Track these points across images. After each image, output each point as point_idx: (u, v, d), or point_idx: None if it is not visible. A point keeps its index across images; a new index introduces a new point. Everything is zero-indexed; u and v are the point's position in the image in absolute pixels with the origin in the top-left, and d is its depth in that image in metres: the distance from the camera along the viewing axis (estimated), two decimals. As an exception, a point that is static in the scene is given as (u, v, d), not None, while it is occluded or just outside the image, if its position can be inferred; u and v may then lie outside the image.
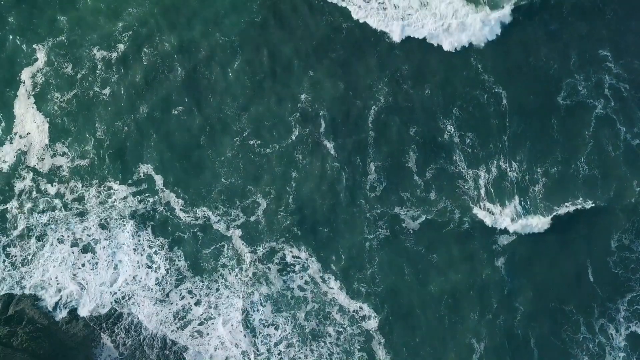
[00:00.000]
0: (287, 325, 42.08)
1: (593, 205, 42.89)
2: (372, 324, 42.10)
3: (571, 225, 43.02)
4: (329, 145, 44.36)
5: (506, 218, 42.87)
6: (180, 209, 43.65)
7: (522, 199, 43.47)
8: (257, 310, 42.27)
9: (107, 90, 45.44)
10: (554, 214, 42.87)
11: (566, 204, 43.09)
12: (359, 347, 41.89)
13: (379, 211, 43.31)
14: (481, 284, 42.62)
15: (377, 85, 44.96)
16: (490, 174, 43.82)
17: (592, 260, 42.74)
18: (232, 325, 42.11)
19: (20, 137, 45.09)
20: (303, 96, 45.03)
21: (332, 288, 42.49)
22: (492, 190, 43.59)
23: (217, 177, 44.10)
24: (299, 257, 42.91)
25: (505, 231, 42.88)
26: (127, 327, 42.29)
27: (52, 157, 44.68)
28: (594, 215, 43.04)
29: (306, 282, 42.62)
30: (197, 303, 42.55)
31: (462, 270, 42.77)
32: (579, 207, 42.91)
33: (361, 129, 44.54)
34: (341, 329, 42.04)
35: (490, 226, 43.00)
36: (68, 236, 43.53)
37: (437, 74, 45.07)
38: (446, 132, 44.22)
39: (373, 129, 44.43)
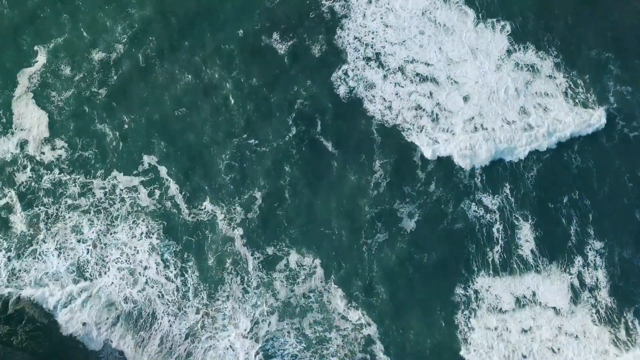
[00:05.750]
0: (292, 331, 42.09)
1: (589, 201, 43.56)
2: (373, 328, 42.11)
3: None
4: (327, 143, 44.58)
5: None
6: (185, 208, 43.81)
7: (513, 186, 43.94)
8: (264, 321, 42.27)
9: (106, 90, 45.76)
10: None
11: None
12: (360, 349, 41.83)
13: (378, 210, 43.48)
14: (480, 283, 42.77)
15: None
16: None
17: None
18: (238, 332, 42.09)
19: (22, 129, 45.23)
20: (303, 93, 45.55)
21: (334, 294, 42.50)
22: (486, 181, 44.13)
23: (218, 177, 44.31)
24: (302, 264, 42.96)
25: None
26: (125, 328, 42.12)
27: (53, 151, 44.71)
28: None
29: (309, 289, 42.67)
30: (199, 312, 42.55)
31: (461, 270, 42.90)
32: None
33: (360, 126, 44.93)
34: (344, 333, 42.03)
35: (483, 219, 43.36)
36: (70, 233, 43.60)
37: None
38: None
39: (374, 127, 44.79)
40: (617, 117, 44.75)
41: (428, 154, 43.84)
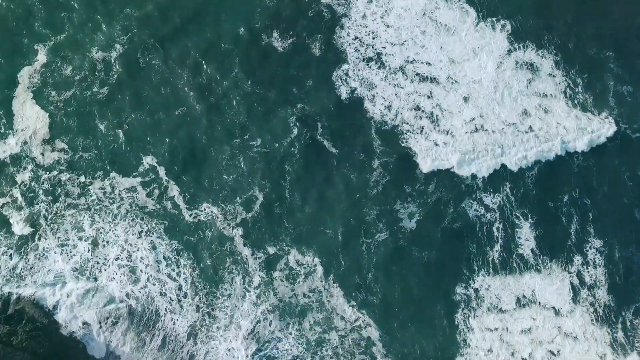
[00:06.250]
0: (293, 331, 42.13)
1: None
2: (373, 330, 42.16)
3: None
4: (327, 143, 44.63)
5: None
6: (186, 207, 43.78)
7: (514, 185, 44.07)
8: (265, 319, 42.31)
9: (107, 89, 45.67)
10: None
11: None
12: (360, 351, 41.87)
13: (378, 210, 43.53)
14: (480, 282, 42.87)
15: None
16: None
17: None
18: (239, 333, 42.08)
19: (22, 130, 45.14)
20: (303, 93, 45.59)
21: (333, 294, 42.54)
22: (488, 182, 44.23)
23: (218, 177, 44.29)
24: (302, 263, 42.98)
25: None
26: (126, 327, 42.08)
27: (52, 152, 44.63)
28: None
29: (309, 288, 42.69)
30: (199, 310, 42.56)
31: (462, 270, 43.01)
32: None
33: (360, 126, 44.98)
34: (343, 334, 42.05)
35: (484, 219, 43.46)
36: (71, 231, 43.52)
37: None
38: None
39: (374, 127, 44.87)
40: (618, 118, 44.92)
41: (425, 168, 43.82)
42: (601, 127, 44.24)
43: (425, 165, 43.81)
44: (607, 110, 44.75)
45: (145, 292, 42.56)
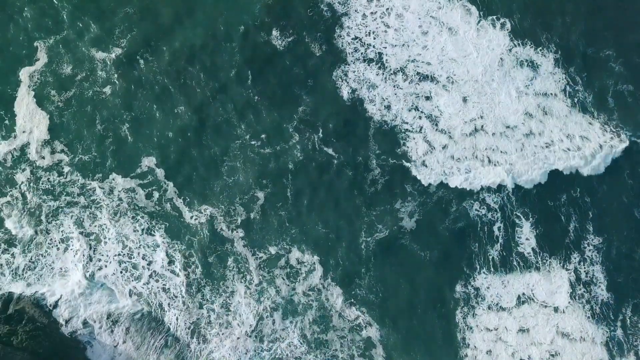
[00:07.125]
0: (295, 330, 42.12)
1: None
2: (373, 330, 42.21)
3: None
4: (327, 142, 44.67)
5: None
6: (186, 207, 43.72)
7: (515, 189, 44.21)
8: (267, 317, 42.29)
9: (107, 89, 45.55)
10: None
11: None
12: (359, 353, 41.86)
13: (378, 209, 43.55)
14: (480, 281, 42.93)
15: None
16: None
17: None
18: (241, 330, 42.05)
19: (23, 132, 45.05)
20: (304, 92, 45.64)
21: (333, 294, 42.54)
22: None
23: (219, 177, 44.28)
24: (302, 262, 42.98)
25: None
26: (127, 326, 42.02)
27: (52, 152, 44.48)
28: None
29: (309, 287, 42.69)
30: (202, 306, 42.54)
31: (462, 269, 43.05)
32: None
33: (360, 125, 45.02)
34: (343, 334, 42.07)
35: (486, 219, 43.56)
36: (71, 231, 43.43)
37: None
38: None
39: (374, 127, 44.90)
40: (621, 125, 45.10)
41: (424, 180, 43.87)
42: (606, 138, 44.24)
43: (424, 179, 43.95)
44: (606, 115, 44.82)
45: (148, 289, 42.47)
